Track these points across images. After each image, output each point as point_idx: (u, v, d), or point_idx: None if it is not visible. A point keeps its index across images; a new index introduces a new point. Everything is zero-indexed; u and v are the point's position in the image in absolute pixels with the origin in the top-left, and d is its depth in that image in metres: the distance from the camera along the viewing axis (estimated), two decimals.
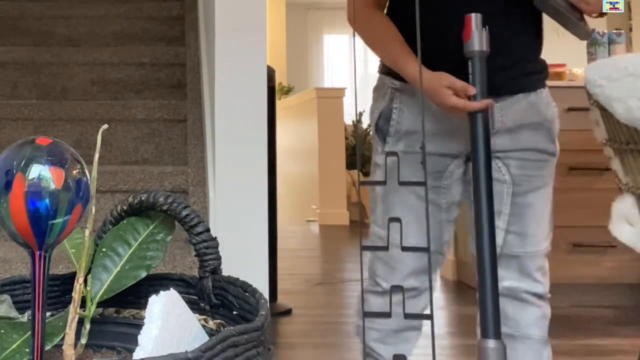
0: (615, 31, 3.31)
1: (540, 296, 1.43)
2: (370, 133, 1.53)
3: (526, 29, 1.42)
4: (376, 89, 1.53)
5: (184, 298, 0.86)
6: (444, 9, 1.38)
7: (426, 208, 1.36)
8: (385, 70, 1.50)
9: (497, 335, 1.21)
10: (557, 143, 1.49)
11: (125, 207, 0.98)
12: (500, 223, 1.40)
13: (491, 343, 1.20)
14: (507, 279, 1.41)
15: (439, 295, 3.42)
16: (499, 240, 1.38)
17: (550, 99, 1.49)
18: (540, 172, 1.46)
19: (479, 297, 1.26)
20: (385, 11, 1.51)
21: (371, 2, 1.48)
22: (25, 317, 0.94)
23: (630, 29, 4.52)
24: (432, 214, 1.40)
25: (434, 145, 1.36)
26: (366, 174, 6.76)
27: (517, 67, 1.41)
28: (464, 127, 1.35)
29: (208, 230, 0.94)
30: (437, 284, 3.52)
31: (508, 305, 1.40)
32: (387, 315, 1.23)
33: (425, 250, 1.47)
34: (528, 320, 1.42)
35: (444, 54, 1.35)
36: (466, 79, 1.31)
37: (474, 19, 1.29)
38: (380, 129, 1.47)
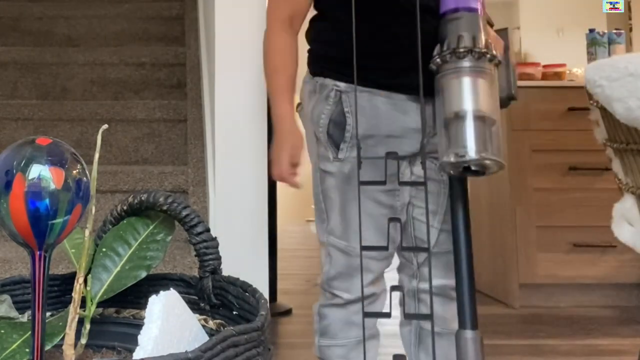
0: (615, 31, 3.31)
1: None
2: (319, 137, 1.44)
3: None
4: (314, 92, 1.47)
5: (184, 298, 0.86)
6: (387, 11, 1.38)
7: (426, 209, 1.36)
8: (325, 72, 1.45)
9: (474, 326, 1.23)
10: None
11: (125, 207, 0.98)
12: (435, 222, 1.43)
13: (469, 334, 1.22)
14: (437, 277, 1.43)
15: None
16: (432, 239, 1.42)
17: None
18: None
19: (456, 291, 1.26)
20: (311, 17, 1.49)
21: (287, 21, 1.45)
22: (25, 317, 0.94)
23: (630, 29, 4.51)
24: (386, 217, 1.39)
25: (387, 147, 1.34)
26: None
27: None
28: (415, 127, 1.37)
29: (208, 230, 0.94)
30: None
31: (437, 304, 1.43)
32: (387, 315, 1.23)
33: (425, 250, 1.47)
34: (452, 316, 1.43)
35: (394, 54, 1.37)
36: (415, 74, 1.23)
37: None
38: (332, 135, 1.42)
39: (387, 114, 1.40)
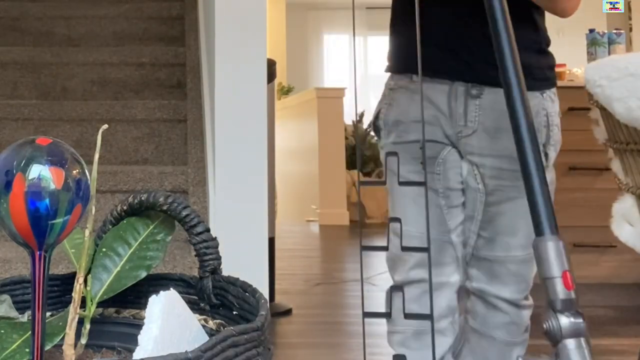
0: (615, 31, 3.31)
1: (509, 301, 1.40)
2: (371, 133, 1.59)
3: (519, 22, 1.20)
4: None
5: (184, 298, 0.86)
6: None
7: (426, 209, 1.36)
8: (387, 69, 1.49)
9: (554, 230, 0.96)
10: (549, 152, 1.45)
11: (125, 207, 0.98)
12: (472, 226, 1.40)
13: (547, 237, 0.93)
14: (477, 281, 1.41)
15: None
16: (471, 242, 1.40)
17: (543, 107, 1.42)
18: (518, 182, 1.40)
19: (528, 198, 0.98)
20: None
21: None
22: (25, 317, 0.94)
23: (630, 29, 4.52)
24: (430, 199, 1.37)
25: (419, 133, 1.33)
26: (366, 174, 6.77)
27: None
28: (447, 114, 1.36)
29: (208, 230, 0.94)
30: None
31: (478, 305, 1.42)
32: (387, 315, 1.22)
33: (426, 250, 1.47)
34: (495, 323, 1.42)
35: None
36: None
37: None
38: (373, 124, 1.49)
39: (418, 100, 1.33)
